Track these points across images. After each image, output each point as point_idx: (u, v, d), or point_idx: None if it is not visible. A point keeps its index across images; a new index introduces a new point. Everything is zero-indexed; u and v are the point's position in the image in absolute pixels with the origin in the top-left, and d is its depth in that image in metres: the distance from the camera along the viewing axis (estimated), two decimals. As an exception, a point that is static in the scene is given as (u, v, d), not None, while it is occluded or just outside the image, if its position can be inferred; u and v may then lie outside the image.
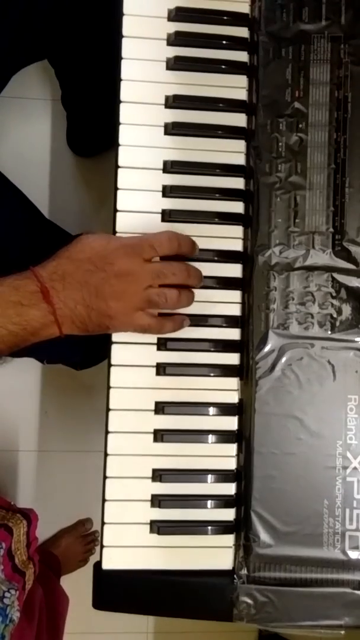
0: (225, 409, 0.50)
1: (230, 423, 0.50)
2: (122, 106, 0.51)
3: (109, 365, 0.50)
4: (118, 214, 0.50)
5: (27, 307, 0.45)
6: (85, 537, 1.09)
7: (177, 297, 0.48)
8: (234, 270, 0.51)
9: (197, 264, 0.50)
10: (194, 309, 0.50)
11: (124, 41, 0.51)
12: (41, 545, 0.99)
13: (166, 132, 0.51)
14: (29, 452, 1.11)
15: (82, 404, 1.10)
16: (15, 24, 0.64)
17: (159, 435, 0.49)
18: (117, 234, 0.50)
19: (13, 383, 1.09)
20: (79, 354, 0.66)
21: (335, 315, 0.49)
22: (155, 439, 0.49)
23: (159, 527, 0.48)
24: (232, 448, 0.50)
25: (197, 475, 0.49)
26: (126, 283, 0.47)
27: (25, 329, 0.46)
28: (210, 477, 0.49)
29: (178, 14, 0.51)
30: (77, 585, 0.92)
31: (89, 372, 0.75)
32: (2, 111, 1.03)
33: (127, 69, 0.51)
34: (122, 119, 0.50)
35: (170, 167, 0.50)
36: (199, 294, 0.50)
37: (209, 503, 0.49)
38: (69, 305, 0.46)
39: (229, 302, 0.51)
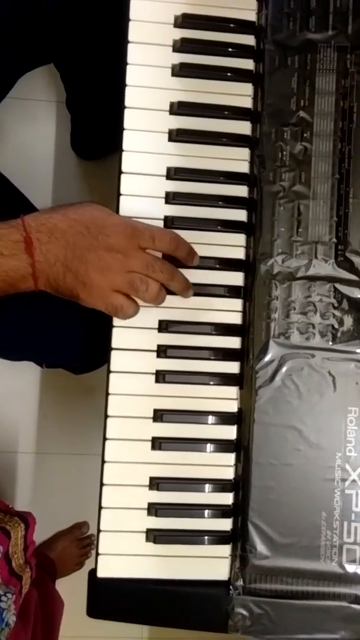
0: (224, 418, 0.50)
1: (229, 432, 0.50)
2: (126, 112, 0.50)
3: (109, 371, 0.49)
4: (120, 220, 0.50)
5: (7, 257, 0.44)
6: (81, 540, 1.09)
7: (158, 291, 0.47)
8: (236, 278, 0.50)
9: (199, 272, 0.50)
10: (194, 316, 0.50)
11: (130, 47, 0.51)
12: (37, 548, 0.99)
13: (170, 139, 0.50)
14: (27, 454, 1.11)
15: (81, 406, 1.09)
16: (22, 28, 0.64)
17: (157, 443, 0.49)
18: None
19: (12, 385, 1.09)
20: (78, 358, 0.66)
21: (336, 326, 0.49)
22: (153, 447, 0.49)
23: (155, 536, 0.48)
24: (230, 457, 0.49)
25: (194, 484, 0.49)
26: (113, 259, 0.46)
27: (5, 280, 0.45)
28: (207, 486, 0.49)
29: (184, 21, 0.51)
30: (72, 589, 0.92)
31: (89, 374, 0.75)
32: (7, 112, 1.03)
33: (133, 75, 0.50)
34: (126, 124, 0.50)
35: (173, 173, 0.50)
36: (200, 301, 0.50)
37: (206, 513, 0.49)
38: (49, 260, 0.45)
39: (230, 311, 0.50)
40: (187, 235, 0.50)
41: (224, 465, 0.49)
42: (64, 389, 1.11)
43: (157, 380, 0.49)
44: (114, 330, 0.49)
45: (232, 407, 0.50)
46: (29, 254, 0.44)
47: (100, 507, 0.48)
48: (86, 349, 0.63)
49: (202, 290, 0.50)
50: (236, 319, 0.50)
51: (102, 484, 0.48)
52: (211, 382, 0.50)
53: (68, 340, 0.64)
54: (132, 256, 0.46)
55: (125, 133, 0.50)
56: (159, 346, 0.49)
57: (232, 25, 0.51)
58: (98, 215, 0.46)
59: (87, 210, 0.46)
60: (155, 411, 0.49)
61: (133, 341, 0.49)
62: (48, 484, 1.10)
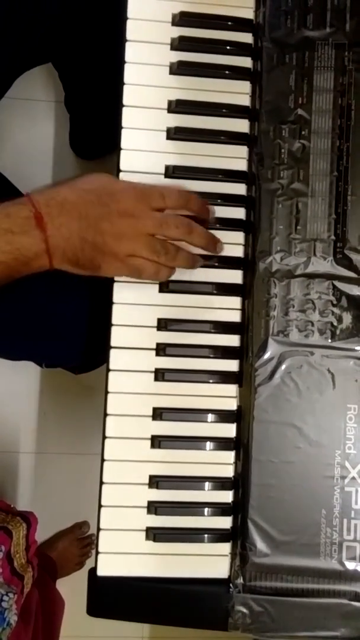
0: (223, 416, 0.50)
1: (229, 430, 0.50)
2: (124, 110, 0.50)
3: (108, 370, 0.49)
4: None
5: (18, 235, 0.43)
6: (81, 540, 1.09)
7: (176, 251, 0.47)
8: (235, 276, 0.50)
9: (198, 270, 0.50)
10: (194, 314, 0.50)
11: (128, 45, 0.50)
12: (37, 548, 0.99)
13: (168, 137, 0.50)
14: (28, 453, 1.11)
15: (81, 405, 1.09)
16: (21, 27, 0.64)
17: (157, 441, 0.49)
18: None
19: (12, 384, 1.09)
20: (78, 358, 0.65)
21: (335, 324, 0.49)
22: (153, 445, 0.49)
23: (154, 534, 0.48)
24: (229, 455, 0.49)
25: (194, 482, 0.49)
26: (128, 224, 0.45)
27: (17, 258, 0.44)
28: (207, 484, 0.49)
29: (182, 19, 0.51)
30: (73, 589, 0.92)
31: (88, 373, 0.75)
32: (6, 112, 1.03)
33: (131, 73, 0.50)
34: (124, 123, 0.50)
35: (172, 172, 0.50)
36: (199, 299, 0.50)
37: (206, 510, 0.48)
38: (63, 234, 0.44)
39: (229, 309, 0.50)
40: (185, 233, 0.50)
41: (224, 463, 0.49)
42: (64, 388, 1.11)
43: (156, 379, 0.49)
44: (113, 329, 0.49)
45: (232, 405, 0.50)
46: (40, 230, 0.43)
47: (100, 506, 0.48)
48: (86, 348, 0.63)
49: (201, 288, 0.50)
50: (235, 316, 0.50)
51: (101, 483, 0.48)
52: (210, 380, 0.50)
53: (67, 340, 0.64)
54: (145, 218, 0.46)
55: (123, 131, 0.50)
56: (158, 344, 0.49)
57: (229, 23, 0.51)
58: (105, 182, 0.46)
59: (93, 179, 0.46)
60: (155, 409, 0.49)
61: (132, 339, 0.49)
62: (48, 484, 1.10)
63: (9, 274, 0.45)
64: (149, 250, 0.46)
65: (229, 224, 0.51)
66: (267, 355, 0.49)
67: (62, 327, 0.63)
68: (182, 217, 0.47)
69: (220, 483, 0.49)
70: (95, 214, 0.45)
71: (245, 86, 0.51)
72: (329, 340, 0.49)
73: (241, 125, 0.51)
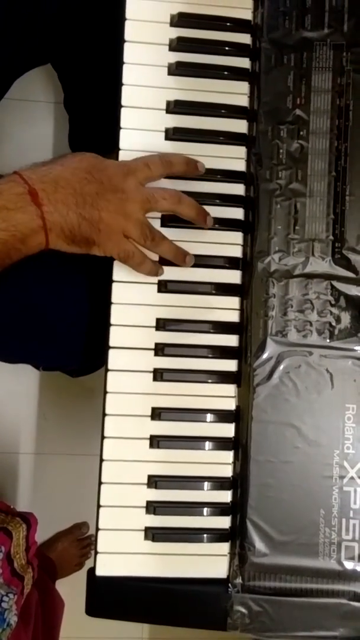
0: (222, 416, 0.50)
1: (227, 430, 0.50)
2: (123, 111, 0.50)
3: (106, 370, 0.49)
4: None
5: (12, 211, 0.43)
6: (81, 541, 1.09)
7: (162, 239, 0.48)
8: (233, 276, 0.51)
9: (197, 270, 0.50)
10: (192, 314, 0.50)
11: (126, 46, 0.51)
12: (37, 549, 0.99)
13: (167, 138, 0.51)
14: (27, 454, 1.11)
15: (80, 406, 1.09)
16: (20, 28, 0.64)
17: (155, 442, 0.49)
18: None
19: (11, 385, 1.09)
20: (75, 361, 0.65)
21: (334, 324, 0.49)
22: (152, 445, 0.49)
23: (153, 534, 0.48)
24: (228, 455, 0.49)
25: (193, 482, 0.49)
26: (121, 201, 0.46)
27: (14, 235, 0.44)
28: (206, 484, 0.49)
29: (180, 20, 0.51)
30: (72, 590, 0.92)
31: (89, 374, 0.75)
32: (5, 113, 1.03)
33: (129, 74, 0.51)
34: (123, 123, 0.50)
35: (170, 172, 0.50)
36: (198, 299, 0.50)
37: (205, 510, 0.49)
38: (61, 211, 0.44)
39: (228, 309, 0.50)
40: (185, 233, 0.50)
41: (223, 463, 0.49)
42: (63, 389, 1.11)
43: (155, 379, 0.49)
44: (112, 329, 0.49)
45: (230, 405, 0.50)
46: (37, 206, 0.43)
47: (98, 506, 0.48)
48: (83, 352, 0.63)
49: (200, 288, 0.50)
50: (234, 317, 0.50)
51: (100, 482, 0.48)
52: (209, 380, 0.50)
53: (65, 343, 0.64)
54: (134, 194, 0.47)
55: (122, 132, 0.50)
56: (156, 344, 0.49)
57: (228, 24, 0.51)
58: (95, 161, 0.47)
59: (83, 158, 0.47)
60: (154, 409, 0.49)
61: (131, 339, 0.49)
62: (48, 485, 1.10)
63: (7, 252, 0.45)
64: (138, 231, 0.47)
65: (228, 224, 0.51)
66: (265, 355, 0.49)
67: (60, 330, 0.63)
68: (171, 188, 0.48)
69: (219, 483, 0.49)
70: (90, 190, 0.45)
71: (243, 87, 0.51)
72: (328, 340, 0.49)
73: (239, 126, 0.51)
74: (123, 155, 0.50)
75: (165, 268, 0.50)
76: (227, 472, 0.49)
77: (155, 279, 0.50)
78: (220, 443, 0.49)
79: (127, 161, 0.48)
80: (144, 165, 0.47)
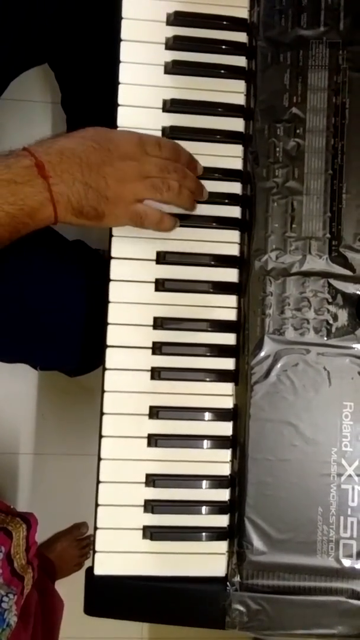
0: (220, 415, 0.50)
1: (225, 429, 0.50)
2: (120, 109, 0.50)
3: (104, 369, 0.49)
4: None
5: (21, 185, 0.43)
6: (80, 541, 1.09)
7: (179, 188, 0.47)
8: (230, 275, 0.51)
9: (194, 269, 0.50)
10: (190, 313, 0.50)
11: (123, 45, 0.51)
12: (37, 549, 0.99)
13: (164, 136, 0.50)
14: (26, 455, 1.10)
15: (79, 406, 1.09)
16: (17, 27, 0.64)
17: (153, 440, 0.49)
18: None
19: (10, 385, 1.09)
20: (73, 361, 0.65)
21: (331, 322, 0.49)
22: (149, 444, 0.49)
23: (151, 532, 0.48)
24: (226, 454, 0.49)
25: (190, 480, 0.49)
26: (129, 167, 0.46)
27: (22, 209, 0.44)
28: (204, 482, 0.49)
29: (177, 19, 0.51)
30: (71, 590, 0.92)
31: (87, 374, 0.75)
32: (3, 114, 1.03)
33: (126, 73, 0.51)
34: (119, 122, 0.50)
35: (167, 171, 0.50)
36: (195, 298, 0.50)
37: (203, 509, 0.49)
38: (67, 181, 0.44)
39: (225, 307, 0.50)
40: (182, 231, 0.50)
41: (220, 462, 0.49)
42: (62, 390, 1.11)
43: (152, 377, 0.49)
44: (109, 328, 0.49)
45: (228, 403, 0.50)
46: (43, 178, 0.43)
47: (96, 505, 0.48)
48: (81, 351, 0.63)
49: (197, 286, 0.50)
50: (231, 315, 0.50)
51: (98, 481, 0.48)
52: (207, 379, 0.50)
53: (62, 342, 0.64)
54: (145, 161, 0.46)
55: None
56: (154, 343, 0.49)
57: (224, 22, 0.51)
58: (101, 130, 0.47)
59: (89, 129, 0.47)
60: (151, 408, 0.49)
61: (128, 338, 0.49)
62: (47, 485, 1.10)
63: (16, 226, 0.45)
64: (152, 188, 0.47)
65: (225, 223, 0.51)
66: (263, 354, 0.49)
67: (57, 329, 0.63)
68: (176, 163, 0.48)
69: (216, 481, 0.49)
70: (96, 159, 0.45)
71: (240, 85, 0.51)
72: (325, 338, 0.49)
73: (236, 124, 0.51)
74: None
75: (163, 267, 0.50)
76: (225, 470, 0.49)
77: (152, 278, 0.50)
78: (218, 441, 0.49)
79: (139, 133, 0.48)
80: (156, 143, 0.47)
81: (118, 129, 0.50)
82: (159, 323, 0.50)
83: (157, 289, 0.50)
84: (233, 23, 0.51)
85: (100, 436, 0.49)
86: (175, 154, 0.48)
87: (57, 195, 0.44)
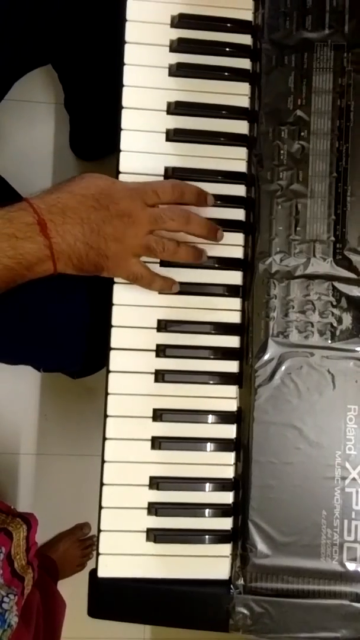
0: (223, 417, 0.50)
1: (229, 431, 0.50)
2: (123, 112, 0.50)
3: (108, 371, 0.49)
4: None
5: (22, 240, 0.44)
6: (83, 541, 1.09)
7: (175, 247, 0.48)
8: (234, 277, 0.51)
9: (198, 271, 0.50)
10: (193, 315, 0.50)
11: (127, 47, 0.51)
12: (38, 549, 0.99)
13: (168, 139, 0.50)
14: (28, 455, 1.11)
15: (81, 407, 1.09)
16: (20, 28, 0.64)
17: (157, 443, 0.49)
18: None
19: (12, 386, 1.09)
20: (77, 363, 0.65)
21: (335, 325, 0.49)
22: (153, 447, 0.49)
23: (155, 535, 0.48)
24: (230, 456, 0.49)
25: (194, 483, 0.49)
26: (127, 225, 0.46)
27: (21, 263, 0.44)
28: (207, 485, 0.49)
29: (181, 21, 0.51)
30: (74, 590, 0.92)
31: (90, 376, 0.75)
32: (6, 114, 1.03)
33: (130, 75, 0.51)
34: (123, 124, 0.50)
35: (171, 173, 0.50)
36: (199, 300, 0.50)
37: (206, 512, 0.48)
38: (68, 241, 0.45)
39: (229, 310, 0.50)
40: (186, 235, 0.50)
41: (224, 464, 0.49)
42: (64, 390, 1.11)
43: (156, 380, 0.49)
44: (113, 330, 0.49)
45: (232, 406, 0.50)
46: (45, 236, 0.44)
47: (100, 507, 0.48)
48: (84, 354, 0.63)
49: (201, 289, 0.50)
50: (235, 318, 0.50)
51: (102, 484, 0.48)
52: (210, 381, 0.50)
53: (66, 345, 0.64)
54: (141, 216, 0.47)
55: (122, 133, 0.50)
56: (158, 346, 0.49)
57: (228, 24, 0.51)
58: (103, 185, 0.47)
59: (91, 182, 0.47)
60: (155, 410, 0.49)
61: (132, 341, 0.49)
62: (49, 486, 1.10)
63: (13, 278, 0.45)
64: (147, 249, 0.47)
65: (229, 225, 0.51)
66: (267, 357, 0.49)
67: (61, 332, 0.63)
68: (179, 207, 0.48)
69: (220, 484, 0.49)
70: (96, 218, 0.45)
71: (244, 88, 0.51)
72: (329, 341, 0.49)
73: (240, 127, 0.51)
74: (124, 157, 0.50)
75: (166, 269, 0.50)
76: (229, 473, 0.49)
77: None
78: (222, 444, 0.49)
79: (137, 185, 0.48)
80: (153, 192, 0.47)
81: (121, 132, 0.50)
82: (163, 325, 0.50)
83: (160, 292, 0.50)
84: (237, 25, 0.51)
85: (104, 438, 0.49)
86: (176, 194, 0.48)
87: (58, 254, 0.45)
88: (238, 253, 0.51)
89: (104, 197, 0.46)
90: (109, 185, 0.47)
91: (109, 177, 0.48)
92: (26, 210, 0.44)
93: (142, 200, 0.47)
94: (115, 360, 0.49)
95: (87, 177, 0.47)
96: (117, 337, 0.49)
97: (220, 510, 0.49)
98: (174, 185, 0.48)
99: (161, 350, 0.49)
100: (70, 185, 0.46)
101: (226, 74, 0.51)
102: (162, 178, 0.50)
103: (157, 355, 0.49)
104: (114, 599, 0.48)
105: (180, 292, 0.50)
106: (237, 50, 0.51)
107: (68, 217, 0.45)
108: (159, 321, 0.50)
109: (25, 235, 0.44)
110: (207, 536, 0.48)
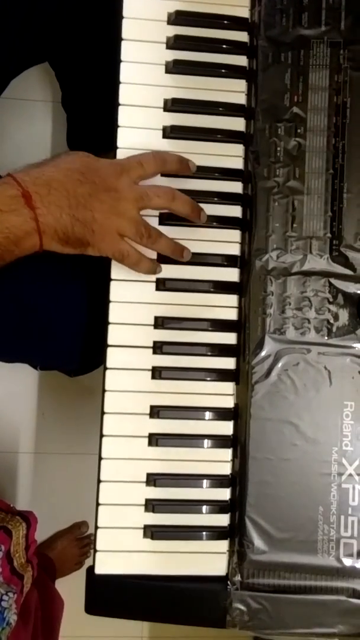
0: (220, 414, 0.50)
1: (226, 428, 0.50)
2: (120, 109, 0.50)
3: (105, 368, 0.49)
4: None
5: (6, 214, 0.43)
6: (80, 540, 1.09)
7: (158, 236, 0.48)
8: (231, 274, 0.51)
9: (195, 268, 0.50)
10: (190, 312, 0.50)
11: (124, 44, 0.51)
12: (36, 548, 0.99)
13: (164, 136, 0.51)
14: (27, 453, 1.11)
15: (79, 405, 1.09)
16: (17, 26, 0.64)
17: (154, 440, 0.49)
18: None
19: (10, 384, 1.09)
20: (74, 361, 0.65)
21: (332, 321, 0.49)
22: (150, 443, 0.49)
23: (152, 532, 0.48)
24: (227, 453, 0.49)
25: (191, 480, 0.49)
26: (114, 199, 0.46)
27: (8, 237, 0.44)
28: (204, 482, 0.49)
29: (178, 18, 0.51)
30: (72, 589, 0.92)
31: (87, 374, 0.75)
32: (3, 113, 1.03)
33: (126, 72, 0.51)
34: (120, 121, 0.50)
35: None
36: (196, 297, 0.50)
37: (204, 508, 0.49)
38: (54, 213, 0.45)
39: (226, 307, 0.50)
40: (183, 231, 0.50)
41: (221, 461, 0.49)
42: (62, 388, 1.11)
43: (153, 377, 0.49)
44: (110, 327, 0.49)
45: (229, 402, 0.50)
46: (30, 208, 0.44)
47: (97, 504, 0.48)
48: (81, 351, 0.63)
49: (198, 286, 0.50)
50: (232, 314, 0.50)
51: (99, 481, 0.48)
52: (207, 378, 0.50)
53: (62, 343, 0.64)
54: (127, 192, 0.47)
55: (119, 130, 0.50)
56: (155, 342, 0.50)
57: (225, 22, 0.51)
58: (88, 160, 0.47)
59: (76, 158, 0.47)
60: (152, 407, 0.49)
61: (129, 337, 0.49)
62: (47, 484, 1.10)
63: (1, 254, 0.45)
64: (133, 229, 0.47)
65: (226, 222, 0.51)
66: (263, 353, 0.49)
67: (57, 329, 0.63)
68: (165, 186, 0.48)
69: (217, 481, 0.49)
70: (82, 191, 0.45)
71: (241, 84, 0.51)
72: (326, 338, 0.49)
73: (237, 124, 0.51)
74: (121, 154, 0.50)
75: (163, 266, 0.50)
76: (226, 469, 0.49)
77: (153, 277, 0.50)
78: (219, 441, 0.49)
79: (120, 160, 0.48)
80: (137, 164, 0.48)
81: (118, 129, 0.50)
82: (160, 322, 0.50)
83: (158, 288, 0.50)
84: (234, 22, 0.51)
85: (101, 435, 0.49)
86: (159, 163, 0.48)
87: (44, 226, 0.45)
88: (235, 250, 0.51)
89: (90, 172, 0.46)
90: (94, 161, 0.47)
91: (92, 154, 0.48)
92: (9, 184, 0.44)
93: (128, 175, 0.47)
94: (113, 357, 0.49)
95: (72, 153, 0.47)
96: (114, 334, 0.49)
97: (218, 506, 0.49)
98: (155, 155, 0.48)
99: (158, 347, 0.49)
100: (55, 160, 0.46)
101: (223, 71, 0.51)
102: (159, 175, 0.50)
103: (154, 352, 0.50)
104: (112, 595, 0.48)
105: (177, 289, 0.50)
106: (234, 48, 0.51)
107: (53, 189, 0.44)
108: (156, 318, 0.50)
109: (10, 208, 0.43)
110: (204, 533, 0.48)
